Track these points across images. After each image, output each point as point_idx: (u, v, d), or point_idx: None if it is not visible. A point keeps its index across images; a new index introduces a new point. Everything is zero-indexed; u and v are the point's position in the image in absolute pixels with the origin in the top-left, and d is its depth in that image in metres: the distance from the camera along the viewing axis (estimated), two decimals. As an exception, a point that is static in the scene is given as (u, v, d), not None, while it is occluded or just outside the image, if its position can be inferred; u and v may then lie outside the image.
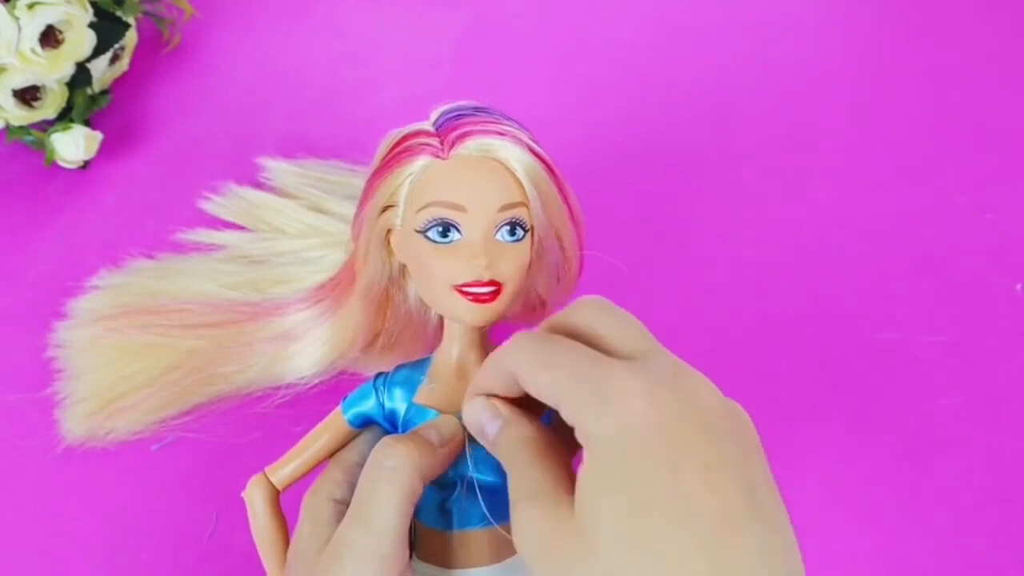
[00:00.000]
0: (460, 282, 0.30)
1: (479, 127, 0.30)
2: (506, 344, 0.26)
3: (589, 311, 0.26)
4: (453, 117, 0.31)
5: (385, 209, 0.32)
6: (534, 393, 0.25)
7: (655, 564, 0.21)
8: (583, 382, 0.23)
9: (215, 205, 0.51)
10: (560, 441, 0.26)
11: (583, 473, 0.23)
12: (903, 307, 0.46)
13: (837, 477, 0.40)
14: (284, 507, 0.32)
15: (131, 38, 0.58)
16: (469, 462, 0.30)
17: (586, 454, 0.23)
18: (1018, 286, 0.46)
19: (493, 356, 0.27)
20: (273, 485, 0.32)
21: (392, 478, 0.27)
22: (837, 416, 0.42)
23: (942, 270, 0.47)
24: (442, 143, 0.31)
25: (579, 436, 0.23)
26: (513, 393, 0.27)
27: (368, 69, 0.59)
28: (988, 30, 0.58)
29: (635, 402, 0.23)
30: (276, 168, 0.52)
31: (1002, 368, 0.43)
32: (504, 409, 0.27)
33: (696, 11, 0.61)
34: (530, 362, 0.25)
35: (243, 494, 0.32)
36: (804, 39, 0.59)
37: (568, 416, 0.24)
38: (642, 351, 0.25)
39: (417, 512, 0.31)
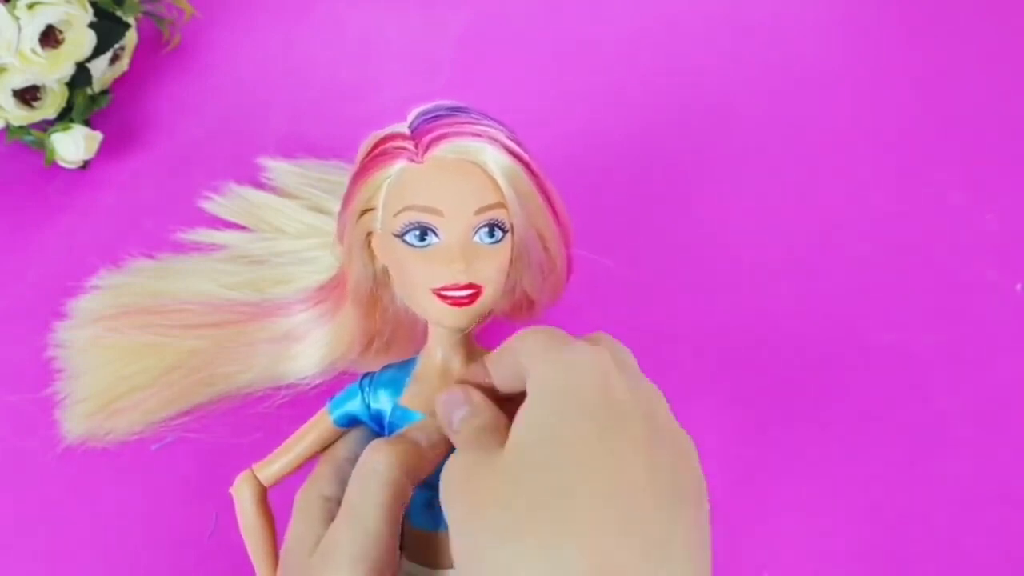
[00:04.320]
0: (438, 286, 0.30)
1: (454, 129, 0.30)
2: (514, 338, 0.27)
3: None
4: (428, 119, 0.31)
5: (364, 213, 0.32)
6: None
7: (568, 490, 0.22)
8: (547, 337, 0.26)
9: (215, 205, 0.50)
10: None
11: (520, 412, 0.24)
12: (903, 307, 0.46)
13: (837, 477, 0.40)
14: (276, 505, 0.33)
15: (131, 38, 0.58)
16: None
17: (529, 394, 0.25)
18: (1018, 286, 0.46)
19: (497, 350, 0.28)
20: (260, 482, 0.32)
21: (383, 481, 0.27)
22: (836, 417, 0.42)
23: (942, 270, 0.47)
24: (416, 146, 0.30)
25: (528, 384, 0.25)
26: (499, 386, 0.28)
27: (368, 69, 0.59)
28: (988, 30, 0.58)
29: (583, 350, 0.25)
30: (276, 168, 0.52)
31: (1002, 368, 0.43)
32: (476, 396, 0.27)
33: (696, 11, 0.61)
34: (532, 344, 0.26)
35: (231, 490, 0.32)
36: (804, 39, 0.59)
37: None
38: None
39: (405, 513, 0.31)
